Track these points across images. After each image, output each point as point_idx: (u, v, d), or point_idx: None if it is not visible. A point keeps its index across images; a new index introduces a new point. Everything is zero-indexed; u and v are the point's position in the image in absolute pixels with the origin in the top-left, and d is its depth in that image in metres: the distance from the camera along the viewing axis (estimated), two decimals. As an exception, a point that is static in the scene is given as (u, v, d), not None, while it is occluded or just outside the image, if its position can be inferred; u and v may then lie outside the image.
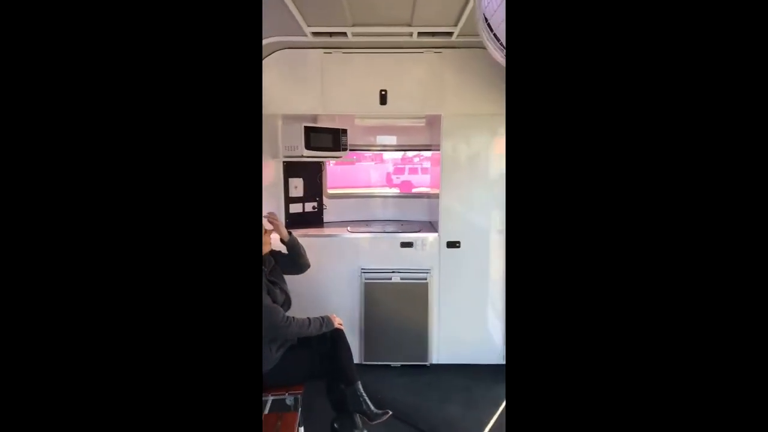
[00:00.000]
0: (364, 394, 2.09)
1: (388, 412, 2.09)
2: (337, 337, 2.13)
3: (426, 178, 13.41)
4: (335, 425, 2.17)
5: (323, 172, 3.37)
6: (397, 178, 14.26)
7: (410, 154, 14.61)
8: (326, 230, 3.12)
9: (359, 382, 2.11)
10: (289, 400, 2.02)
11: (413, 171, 14.22)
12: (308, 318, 2.09)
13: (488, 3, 1.75)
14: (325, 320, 2.12)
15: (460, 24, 2.33)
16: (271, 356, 1.99)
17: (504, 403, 2.58)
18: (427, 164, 14.10)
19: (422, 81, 2.80)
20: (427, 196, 3.62)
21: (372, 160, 19.51)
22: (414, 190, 7.01)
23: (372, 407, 2.07)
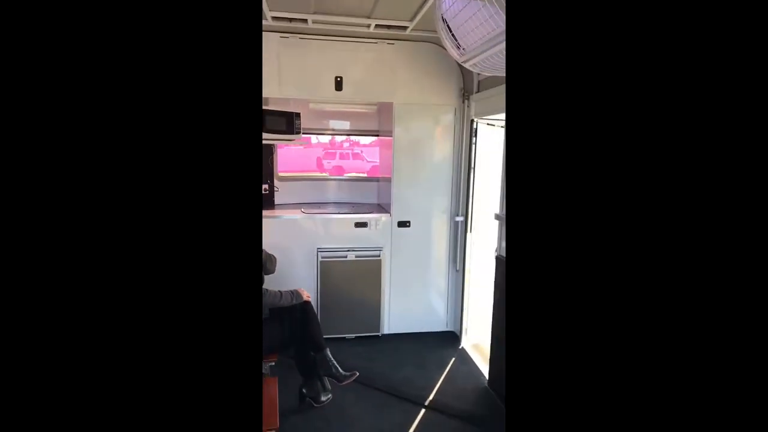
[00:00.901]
0: (332, 359, 2.27)
1: (355, 373, 2.31)
2: (306, 308, 2.28)
3: (357, 163, 13.51)
4: (303, 390, 2.34)
5: (274, 155, 3.41)
6: (328, 163, 14.22)
7: (339, 138, 14.64)
8: (280, 212, 3.19)
9: (327, 349, 2.29)
10: (265, 369, 2.13)
11: (344, 156, 14.28)
12: (280, 291, 2.21)
13: (449, 7, 1.98)
14: (295, 293, 2.26)
15: (416, 19, 2.54)
16: None
17: (452, 361, 2.93)
18: (358, 149, 14.21)
19: (375, 70, 2.97)
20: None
21: (300, 144, 19.08)
22: (346, 176, 7.23)
23: (341, 370, 2.27)
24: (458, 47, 2.12)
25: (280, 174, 3.54)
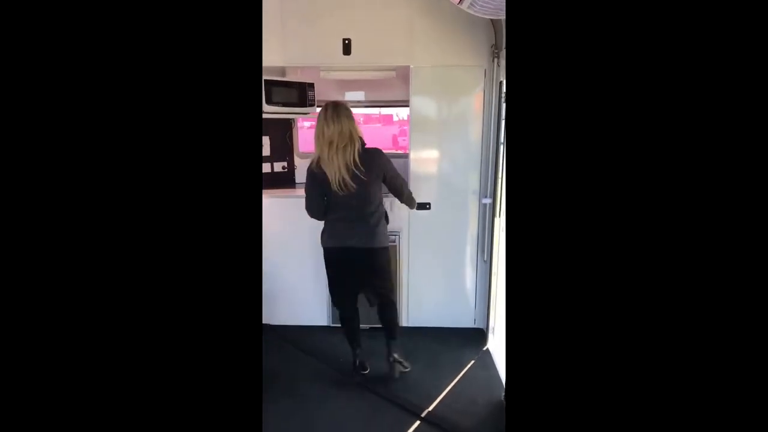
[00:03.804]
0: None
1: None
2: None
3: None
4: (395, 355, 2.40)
5: (293, 131, 3.22)
6: (403, 140, 13.92)
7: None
8: (298, 191, 3.01)
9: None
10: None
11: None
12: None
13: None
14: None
15: None
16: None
17: (470, 365, 2.54)
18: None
19: (389, 29, 2.57)
20: (405, 155, 3.46)
21: (379, 122, 19.04)
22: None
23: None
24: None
25: (302, 152, 3.35)
